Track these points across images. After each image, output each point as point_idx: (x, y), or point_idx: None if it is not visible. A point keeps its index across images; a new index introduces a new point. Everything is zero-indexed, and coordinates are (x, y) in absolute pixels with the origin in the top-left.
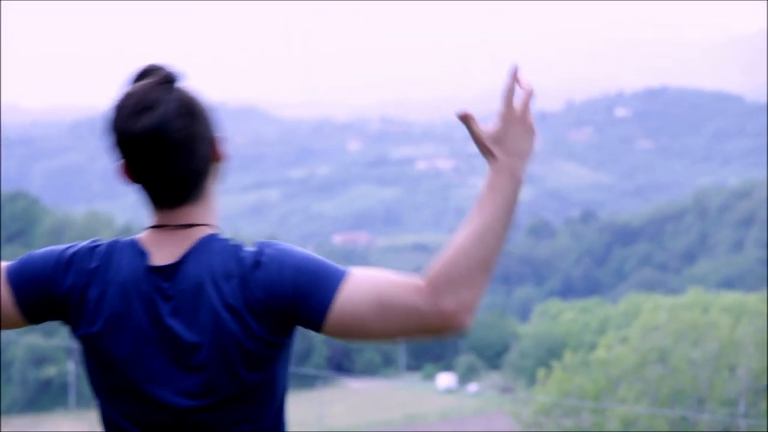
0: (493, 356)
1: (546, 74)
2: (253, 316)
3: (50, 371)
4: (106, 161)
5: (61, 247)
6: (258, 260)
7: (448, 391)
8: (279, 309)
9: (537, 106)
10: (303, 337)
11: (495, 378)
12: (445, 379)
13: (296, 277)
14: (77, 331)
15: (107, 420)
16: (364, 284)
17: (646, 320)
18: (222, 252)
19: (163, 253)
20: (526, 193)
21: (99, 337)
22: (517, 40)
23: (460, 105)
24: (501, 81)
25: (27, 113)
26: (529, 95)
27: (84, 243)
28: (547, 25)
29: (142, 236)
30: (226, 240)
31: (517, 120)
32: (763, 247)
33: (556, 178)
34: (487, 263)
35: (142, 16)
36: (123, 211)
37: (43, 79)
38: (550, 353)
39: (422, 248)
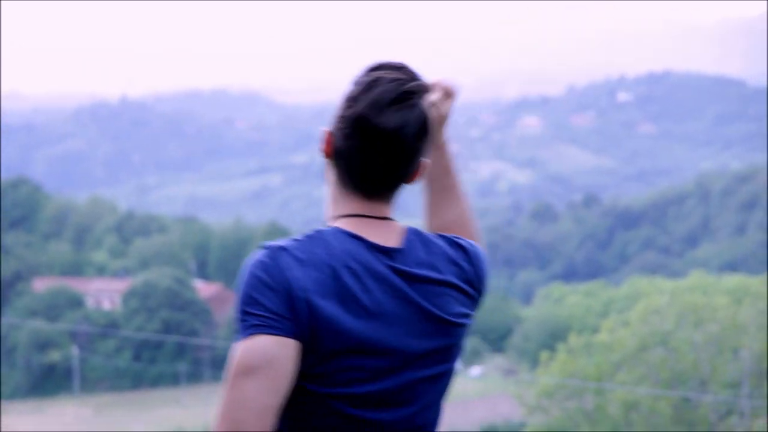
0: (496, 339)
1: (548, 59)
2: (475, 293)
3: (54, 356)
4: (108, 148)
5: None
6: (473, 248)
7: None
8: (482, 290)
9: (539, 90)
10: None
11: (498, 361)
12: None
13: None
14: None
15: (322, 408)
16: None
17: (647, 303)
18: (438, 240)
19: (377, 238)
20: (528, 177)
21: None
22: (517, 25)
23: (460, 91)
24: (500, 67)
25: (28, 100)
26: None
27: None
28: (547, 10)
29: (343, 224)
30: (428, 232)
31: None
32: (765, 230)
33: (558, 162)
34: None
35: (144, 4)
36: (125, 197)
37: (44, 66)
38: (553, 336)
39: None
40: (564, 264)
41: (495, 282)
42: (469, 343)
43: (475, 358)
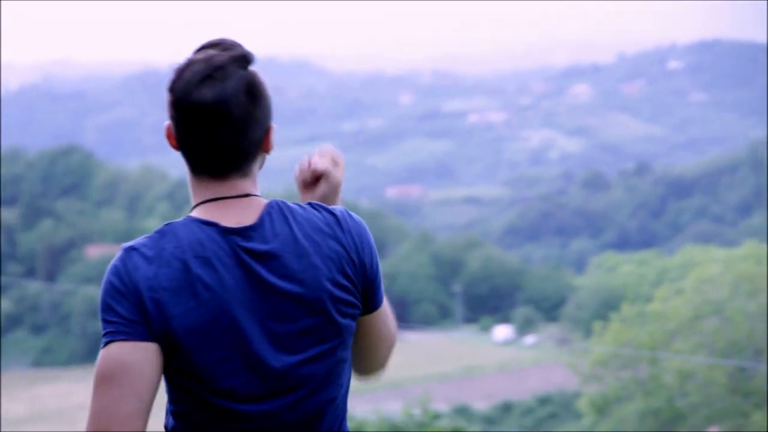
0: (549, 308)
1: (598, 27)
2: (349, 259)
3: None
4: (158, 116)
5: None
6: (343, 213)
7: (506, 343)
8: (361, 255)
9: (589, 57)
10: None
11: (552, 330)
12: (503, 331)
13: (376, 254)
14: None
15: (201, 403)
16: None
17: (701, 272)
18: (304, 210)
19: (231, 219)
20: (578, 146)
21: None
22: None
23: (510, 59)
24: (550, 35)
25: (79, 67)
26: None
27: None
28: None
29: (197, 212)
30: (295, 204)
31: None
32: None
33: (609, 130)
34: None
35: None
36: (175, 164)
37: (95, 34)
38: (606, 305)
39: (475, 201)
40: (617, 233)
41: (547, 251)
42: (523, 311)
43: (529, 326)
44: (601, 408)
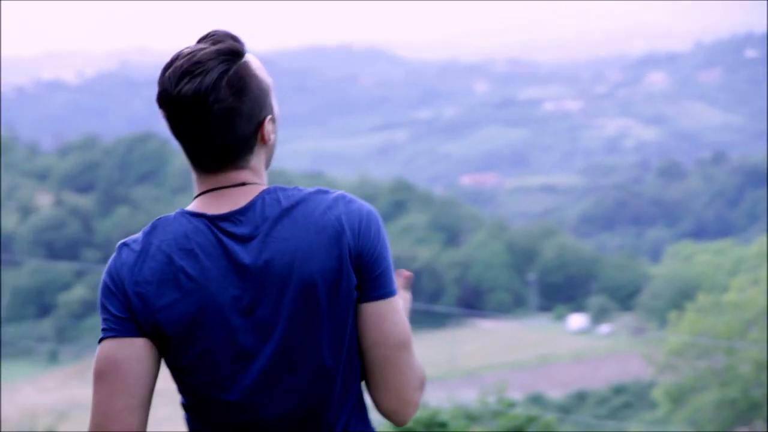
0: (624, 297)
1: (675, 15)
2: (344, 238)
3: None
4: None
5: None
6: (341, 194)
7: (580, 332)
8: (358, 256)
9: (666, 46)
10: (433, 276)
11: (627, 319)
12: (577, 320)
13: (382, 243)
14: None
15: (197, 395)
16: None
17: None
18: (299, 193)
19: (223, 208)
20: (655, 134)
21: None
22: None
23: (585, 47)
24: (626, 23)
25: (155, 55)
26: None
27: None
28: None
29: (192, 204)
30: (293, 187)
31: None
32: None
33: (686, 118)
34: None
35: None
36: None
37: (172, 22)
38: (682, 295)
39: (551, 189)
40: (693, 222)
41: (622, 240)
42: (597, 300)
43: (604, 316)
44: (677, 398)
